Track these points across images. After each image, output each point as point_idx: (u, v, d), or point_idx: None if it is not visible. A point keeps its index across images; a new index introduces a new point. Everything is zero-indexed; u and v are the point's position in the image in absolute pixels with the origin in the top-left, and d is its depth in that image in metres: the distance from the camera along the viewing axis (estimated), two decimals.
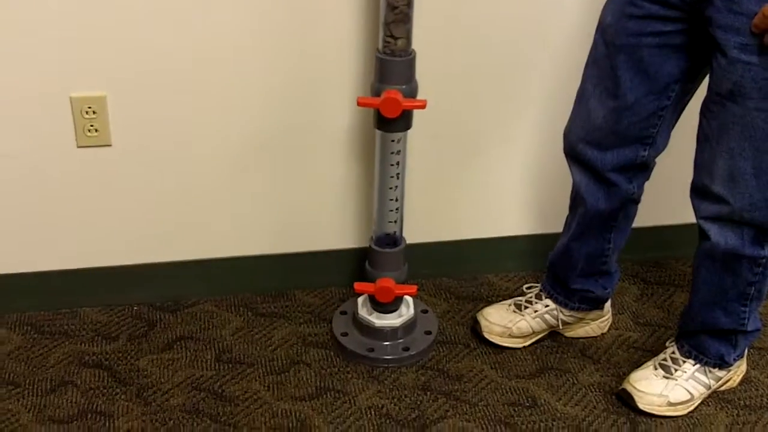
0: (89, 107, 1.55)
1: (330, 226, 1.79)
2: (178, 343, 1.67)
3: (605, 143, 1.46)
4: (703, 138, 1.36)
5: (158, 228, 1.70)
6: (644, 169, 1.51)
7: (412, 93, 1.47)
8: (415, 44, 1.46)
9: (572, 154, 1.52)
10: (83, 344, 1.65)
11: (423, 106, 1.46)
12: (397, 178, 1.55)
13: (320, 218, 1.78)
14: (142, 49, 1.52)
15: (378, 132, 1.51)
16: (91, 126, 1.57)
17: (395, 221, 1.60)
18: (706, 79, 1.35)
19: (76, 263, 1.70)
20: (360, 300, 1.71)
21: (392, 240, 1.63)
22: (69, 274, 1.70)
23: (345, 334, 1.69)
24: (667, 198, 1.79)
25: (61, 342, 1.66)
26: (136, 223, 1.69)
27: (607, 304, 1.75)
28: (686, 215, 1.44)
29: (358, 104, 1.46)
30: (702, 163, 1.37)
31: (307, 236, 1.79)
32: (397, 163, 1.53)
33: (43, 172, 1.59)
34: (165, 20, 1.50)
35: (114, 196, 1.65)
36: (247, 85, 1.60)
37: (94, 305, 1.75)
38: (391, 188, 1.56)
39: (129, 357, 1.63)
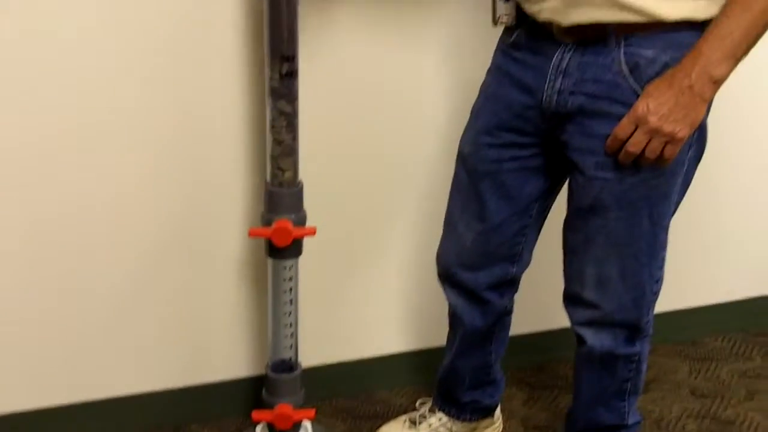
0: None
1: (224, 355, 1.80)
2: None
3: (477, 264, 1.55)
4: (569, 250, 1.47)
5: (38, 370, 1.66)
6: (513, 283, 1.61)
7: (301, 221, 1.54)
8: (302, 173, 1.54)
9: (447, 278, 1.61)
10: None
11: (313, 233, 1.53)
12: (291, 303, 1.60)
13: (214, 348, 1.79)
14: (29, 202, 1.54)
15: (270, 260, 1.57)
16: None
17: (291, 346, 1.64)
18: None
19: None
20: (258, 429, 1.71)
21: (288, 365, 1.66)
22: None
23: None
24: (544, 305, 1.90)
25: None
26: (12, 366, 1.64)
27: (497, 411, 1.82)
28: (563, 320, 1.54)
29: (250, 235, 1.52)
30: (571, 273, 1.49)
31: (200, 368, 1.79)
32: (290, 290, 1.58)
33: None
34: (54, 166, 1.54)
35: None
36: (139, 216, 1.62)
37: None
38: (285, 314, 1.60)
39: None
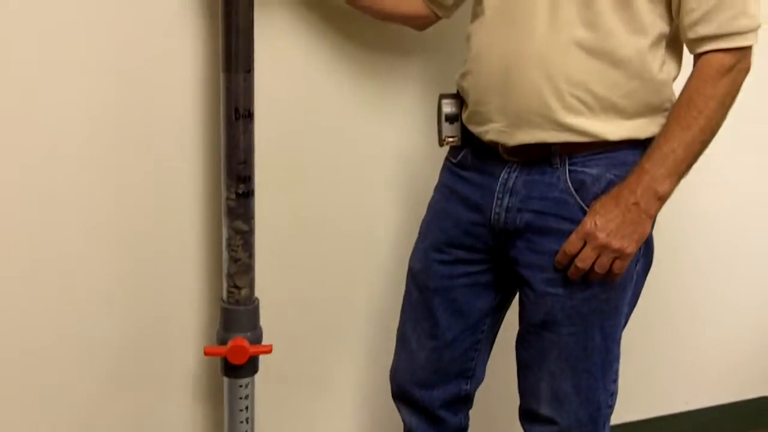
0: None
1: None
2: None
3: (430, 382, 1.54)
4: (523, 366, 1.47)
5: None
6: (468, 400, 1.60)
7: (257, 339, 1.54)
8: (258, 291, 1.55)
9: (401, 396, 1.59)
10: None
11: (269, 351, 1.52)
12: (247, 422, 1.57)
13: None
14: None
15: (226, 379, 1.55)
16: None
17: None
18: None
19: None
20: None
21: None
22: None
23: None
24: (500, 420, 1.89)
25: None
26: None
27: None
28: None
29: (206, 354, 1.51)
30: (526, 389, 1.48)
31: None
32: (246, 408, 1.56)
33: None
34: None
35: None
36: (94, 336, 1.60)
37: None
38: None
39: None
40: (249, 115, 1.43)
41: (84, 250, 1.56)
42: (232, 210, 1.47)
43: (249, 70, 1.40)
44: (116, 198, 1.55)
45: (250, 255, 1.51)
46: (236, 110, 1.42)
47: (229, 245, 1.49)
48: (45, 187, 1.50)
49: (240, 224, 1.48)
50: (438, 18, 1.57)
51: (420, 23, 1.59)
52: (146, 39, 1.49)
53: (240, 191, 1.46)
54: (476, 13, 1.43)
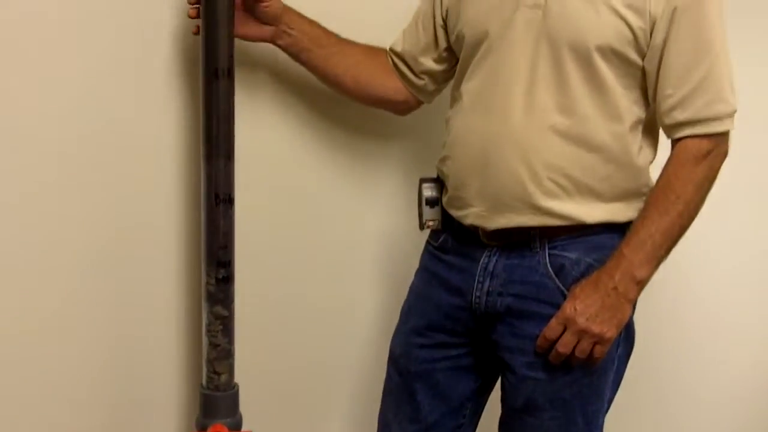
0: None
1: None
2: None
3: None
4: None
5: None
6: None
7: (237, 425, 1.52)
8: (237, 376, 1.53)
9: None
10: None
11: None
12: None
13: None
14: None
15: None
16: None
17: None
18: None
19: None
20: None
21: None
22: None
23: None
24: None
25: None
26: None
27: None
28: None
29: None
30: None
31: None
32: None
33: None
34: None
35: None
36: (71, 424, 1.57)
37: None
38: None
39: None
40: (229, 201, 1.42)
41: (65, 336, 1.54)
42: (212, 295, 1.46)
43: (229, 156, 1.41)
44: (95, 284, 1.54)
45: (230, 340, 1.49)
46: (216, 195, 1.42)
47: (208, 331, 1.48)
48: (21, 276, 1.49)
49: (220, 309, 1.47)
50: (419, 103, 1.60)
51: (402, 108, 1.61)
52: (127, 123, 1.50)
53: (220, 276, 1.45)
54: (455, 99, 1.46)
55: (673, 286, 1.98)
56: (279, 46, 1.49)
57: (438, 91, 1.59)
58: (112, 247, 1.54)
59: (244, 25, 1.43)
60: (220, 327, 1.48)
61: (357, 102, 1.60)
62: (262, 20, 1.44)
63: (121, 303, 1.57)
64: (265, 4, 1.42)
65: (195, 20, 1.39)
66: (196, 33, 1.38)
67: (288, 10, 1.46)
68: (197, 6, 1.36)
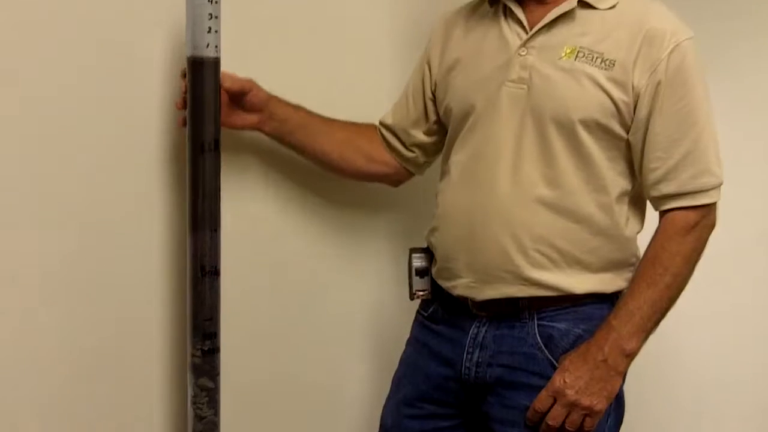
0: None
1: None
2: None
3: None
4: None
5: None
6: None
7: None
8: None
9: None
10: None
11: None
12: None
13: None
14: None
15: None
16: None
17: None
18: None
19: None
20: None
21: None
22: None
23: None
24: None
25: None
26: None
27: None
28: None
29: None
30: None
31: None
32: None
33: None
34: None
35: None
36: None
37: None
38: None
39: None
40: (215, 273, 1.42)
41: (47, 418, 1.52)
42: (198, 367, 1.44)
43: (216, 228, 1.40)
44: (78, 358, 1.52)
45: (216, 412, 1.47)
46: (202, 267, 1.41)
47: (194, 402, 1.46)
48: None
49: (205, 381, 1.45)
50: (411, 174, 1.61)
51: (394, 180, 1.62)
52: (113, 195, 1.49)
53: (206, 348, 1.44)
54: (444, 171, 1.46)
55: (661, 353, 1.97)
56: (265, 132, 1.50)
57: (429, 163, 1.60)
58: (98, 319, 1.52)
59: (231, 115, 1.44)
60: (206, 399, 1.46)
61: (350, 178, 1.61)
62: (247, 109, 1.45)
63: (104, 377, 1.54)
64: (250, 94, 1.43)
65: (182, 111, 1.39)
66: (183, 125, 1.38)
67: (272, 98, 1.47)
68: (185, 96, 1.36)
